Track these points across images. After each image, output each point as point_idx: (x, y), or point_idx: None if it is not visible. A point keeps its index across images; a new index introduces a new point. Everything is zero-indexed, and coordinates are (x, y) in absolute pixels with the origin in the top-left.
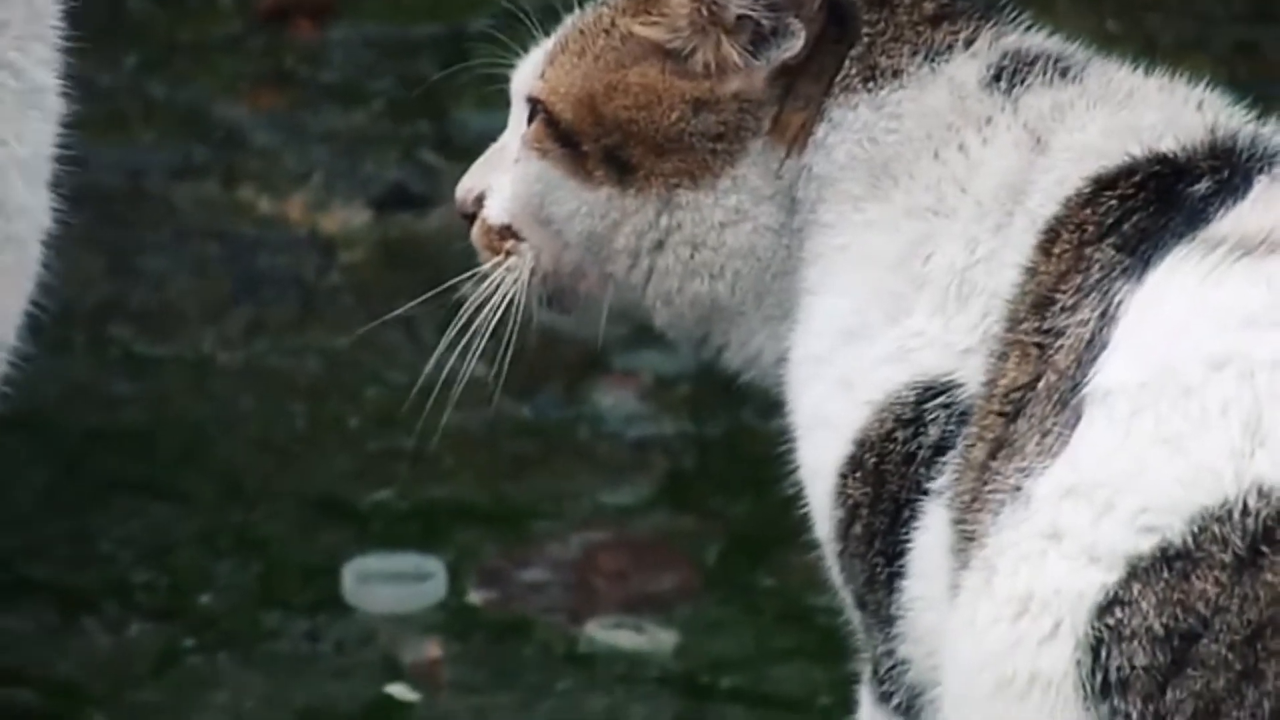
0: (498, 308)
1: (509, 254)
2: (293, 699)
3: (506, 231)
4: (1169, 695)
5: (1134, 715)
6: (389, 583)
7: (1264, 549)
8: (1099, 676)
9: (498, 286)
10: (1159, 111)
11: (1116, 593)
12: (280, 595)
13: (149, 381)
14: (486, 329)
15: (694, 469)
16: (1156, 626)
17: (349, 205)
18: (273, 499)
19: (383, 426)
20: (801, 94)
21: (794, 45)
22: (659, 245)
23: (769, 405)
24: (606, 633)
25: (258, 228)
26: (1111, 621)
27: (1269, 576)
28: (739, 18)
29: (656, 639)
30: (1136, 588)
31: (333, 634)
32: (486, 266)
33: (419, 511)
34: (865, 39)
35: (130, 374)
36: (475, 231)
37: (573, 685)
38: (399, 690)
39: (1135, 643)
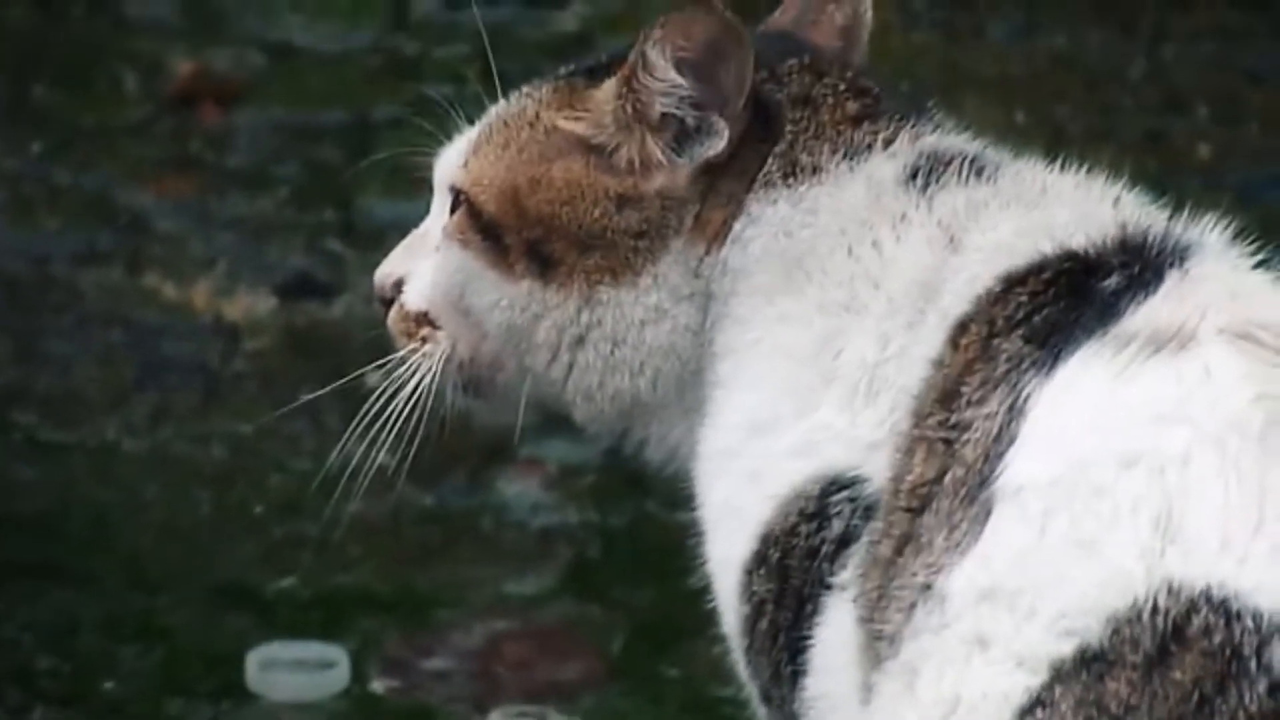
0: (411, 395)
1: (425, 340)
2: None
3: (423, 319)
4: None
5: None
6: (293, 671)
7: (1173, 648)
8: None
9: (413, 373)
10: (1071, 209)
11: (1039, 694)
12: (184, 682)
13: (53, 467)
14: (398, 416)
15: (598, 558)
16: None
17: (254, 292)
18: (177, 585)
19: (287, 514)
20: (724, 191)
21: (718, 144)
22: (579, 341)
23: (673, 495)
24: None
25: (162, 314)
26: None
27: (1177, 674)
28: (663, 115)
29: None
30: (1058, 690)
31: None
32: (403, 352)
33: (323, 599)
34: (788, 136)
35: (34, 460)
36: (392, 317)
37: None
38: None
39: None
